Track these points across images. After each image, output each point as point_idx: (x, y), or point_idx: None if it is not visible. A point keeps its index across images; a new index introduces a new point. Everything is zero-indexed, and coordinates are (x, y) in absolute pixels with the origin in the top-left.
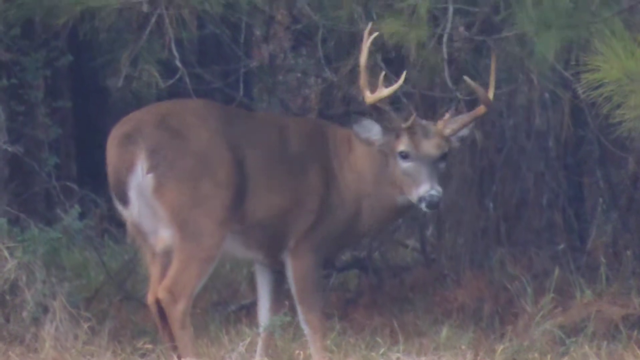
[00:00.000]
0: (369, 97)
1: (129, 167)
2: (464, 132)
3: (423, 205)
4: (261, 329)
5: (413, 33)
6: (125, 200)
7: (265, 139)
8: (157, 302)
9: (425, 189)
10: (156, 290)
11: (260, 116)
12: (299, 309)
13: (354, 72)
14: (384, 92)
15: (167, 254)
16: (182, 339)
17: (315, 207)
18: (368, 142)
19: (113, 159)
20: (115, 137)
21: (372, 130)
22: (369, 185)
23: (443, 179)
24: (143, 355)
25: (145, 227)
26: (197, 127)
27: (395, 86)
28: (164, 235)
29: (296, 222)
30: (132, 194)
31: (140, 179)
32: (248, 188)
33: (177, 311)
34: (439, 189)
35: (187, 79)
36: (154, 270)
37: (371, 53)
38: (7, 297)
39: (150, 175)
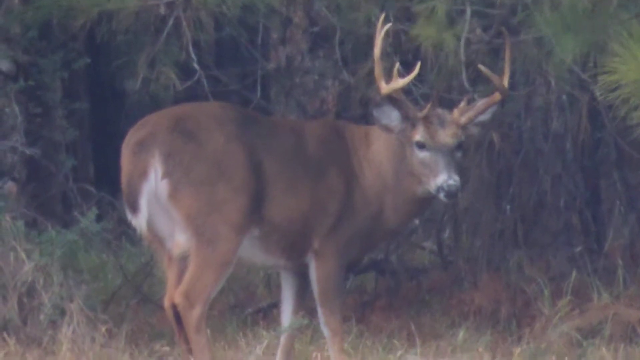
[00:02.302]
0: (384, 87)
1: (142, 175)
2: (482, 118)
3: (442, 195)
4: (282, 332)
5: (431, 35)
6: (135, 208)
7: (282, 142)
8: (174, 306)
9: (443, 179)
10: (173, 295)
11: (277, 120)
12: (320, 311)
13: (371, 74)
14: (399, 82)
15: (184, 259)
16: (197, 343)
17: (337, 209)
18: (387, 129)
19: (126, 166)
20: (129, 144)
21: (391, 116)
22: (389, 180)
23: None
24: (160, 357)
25: (161, 232)
26: (213, 131)
27: (410, 76)
28: (180, 240)
29: (318, 225)
30: (143, 202)
31: (153, 187)
32: (265, 192)
33: (193, 316)
34: (457, 178)
35: (204, 81)
36: (171, 275)
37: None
38: (25, 300)
39: (165, 181)
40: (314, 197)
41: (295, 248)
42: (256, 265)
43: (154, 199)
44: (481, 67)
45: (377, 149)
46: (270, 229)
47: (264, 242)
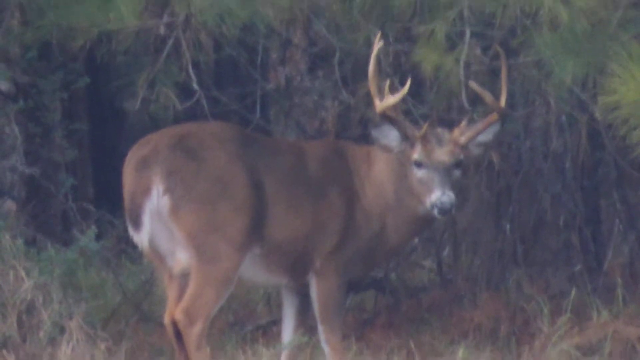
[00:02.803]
0: (378, 104)
1: (144, 192)
2: (482, 139)
3: (435, 212)
4: (282, 349)
5: (431, 58)
6: (137, 225)
7: (284, 162)
8: (174, 323)
9: (436, 195)
10: (173, 312)
11: (278, 140)
12: (320, 329)
13: (370, 94)
14: (390, 99)
15: (185, 276)
16: None
17: (339, 228)
18: (387, 149)
19: (129, 183)
20: (131, 161)
21: (389, 135)
22: (390, 199)
23: (460, 200)
24: None
25: (163, 249)
26: (215, 150)
27: (401, 93)
28: (181, 258)
29: (319, 244)
30: (145, 219)
31: (155, 204)
32: (267, 212)
33: (194, 333)
34: (451, 194)
35: (204, 102)
36: (171, 292)
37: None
38: (24, 318)
39: (166, 197)
40: (315, 216)
41: (296, 267)
42: (258, 284)
43: (156, 216)
44: (473, 84)
45: (379, 168)
46: (272, 248)
47: (266, 261)
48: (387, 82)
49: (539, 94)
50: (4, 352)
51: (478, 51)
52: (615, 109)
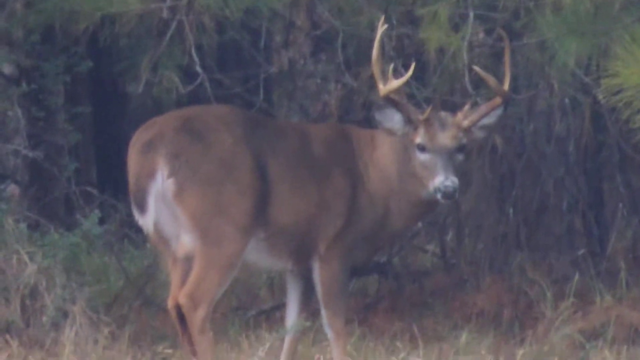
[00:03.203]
0: (382, 88)
1: (150, 175)
2: (485, 122)
3: (439, 196)
4: (285, 334)
5: (435, 38)
6: (143, 208)
7: (288, 145)
8: (178, 307)
9: (440, 180)
10: (177, 296)
11: (283, 123)
12: (323, 313)
13: (373, 77)
14: (395, 83)
15: (189, 260)
16: (201, 345)
17: (343, 211)
18: (390, 132)
19: (134, 166)
20: (136, 144)
21: (393, 118)
22: (394, 183)
23: (463, 183)
24: (163, 359)
25: (167, 232)
26: (221, 132)
27: (405, 77)
28: (185, 241)
29: (324, 227)
30: (151, 202)
31: (160, 186)
32: (271, 194)
33: (197, 317)
34: (454, 179)
35: (207, 85)
36: (175, 276)
37: (389, 55)
38: (27, 302)
39: (171, 180)
40: (319, 199)
41: (300, 251)
42: (262, 268)
43: (161, 199)
44: (476, 68)
45: (383, 152)
46: (276, 232)
47: (270, 245)
48: (391, 66)
49: (542, 76)
50: (7, 336)
51: (481, 34)
52: (619, 92)
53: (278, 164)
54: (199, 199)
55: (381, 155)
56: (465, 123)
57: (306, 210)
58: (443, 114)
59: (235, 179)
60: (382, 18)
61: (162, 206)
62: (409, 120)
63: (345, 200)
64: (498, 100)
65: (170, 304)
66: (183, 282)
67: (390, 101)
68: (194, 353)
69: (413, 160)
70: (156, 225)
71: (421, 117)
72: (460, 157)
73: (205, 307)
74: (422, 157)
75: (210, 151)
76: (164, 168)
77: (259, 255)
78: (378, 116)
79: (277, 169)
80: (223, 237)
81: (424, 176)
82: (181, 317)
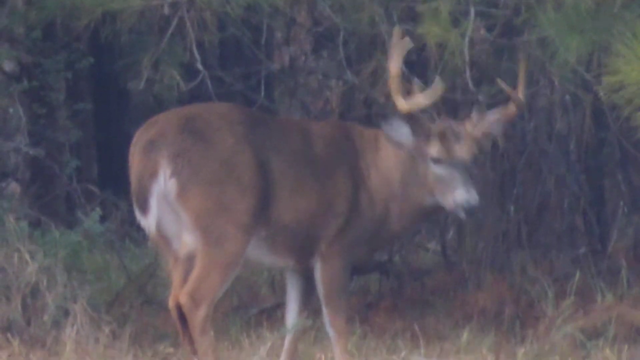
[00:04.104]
0: (404, 104)
1: (152, 175)
2: (494, 130)
3: (461, 213)
4: (286, 332)
5: (436, 33)
6: (145, 209)
7: (290, 143)
8: (178, 306)
9: (462, 196)
10: (178, 295)
11: (284, 120)
12: (325, 311)
13: (375, 74)
14: (421, 100)
15: (190, 259)
16: (202, 344)
17: (344, 210)
18: (399, 146)
19: (136, 166)
20: (138, 144)
21: (401, 131)
22: (396, 187)
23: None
24: (164, 358)
25: (169, 232)
26: (222, 131)
27: (432, 95)
28: (187, 240)
29: (326, 226)
30: (153, 202)
31: (162, 186)
32: (273, 193)
33: (198, 316)
34: (475, 195)
35: (208, 82)
36: (176, 275)
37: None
38: (28, 301)
39: (173, 180)
40: (321, 197)
41: (302, 250)
42: (264, 266)
43: (163, 199)
44: (500, 81)
45: (386, 154)
46: (278, 230)
47: (272, 244)
48: (415, 82)
49: (543, 73)
50: (9, 335)
51: (483, 30)
52: (620, 89)
53: (280, 162)
54: (201, 198)
55: (384, 157)
56: (478, 134)
57: (308, 208)
58: (454, 124)
59: (237, 178)
60: (396, 29)
61: (165, 206)
62: (418, 132)
63: (346, 198)
64: (513, 109)
65: (171, 303)
66: (184, 281)
67: (409, 117)
68: (194, 352)
69: (424, 172)
70: (158, 225)
71: (435, 129)
72: (473, 167)
73: (206, 306)
74: (438, 170)
75: (212, 151)
76: (167, 168)
77: (260, 254)
78: (386, 129)
79: (279, 168)
80: (225, 236)
81: (438, 189)
82: (182, 317)
